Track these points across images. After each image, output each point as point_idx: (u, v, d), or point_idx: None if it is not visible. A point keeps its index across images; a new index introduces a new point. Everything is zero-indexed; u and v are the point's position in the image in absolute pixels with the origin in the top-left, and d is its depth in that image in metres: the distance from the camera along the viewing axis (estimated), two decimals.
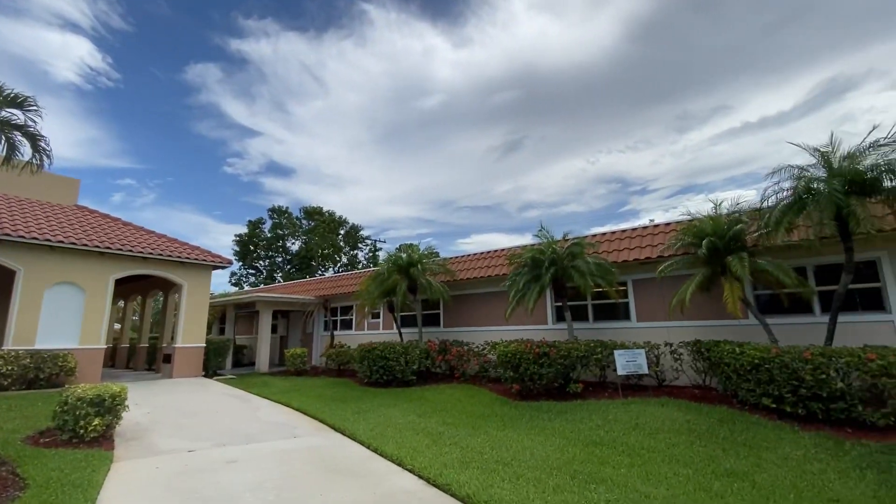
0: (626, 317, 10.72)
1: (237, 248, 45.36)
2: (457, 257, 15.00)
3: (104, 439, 6.31)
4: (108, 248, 12.63)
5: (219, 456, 5.85)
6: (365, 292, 13.86)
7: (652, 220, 11.67)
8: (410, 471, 5.23)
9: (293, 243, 47.43)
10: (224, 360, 15.90)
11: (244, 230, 45.86)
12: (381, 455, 5.90)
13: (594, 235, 11.89)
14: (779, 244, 7.84)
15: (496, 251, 13.93)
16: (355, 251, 48.62)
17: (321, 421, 8.02)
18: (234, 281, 45.83)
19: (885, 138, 6.61)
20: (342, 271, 43.05)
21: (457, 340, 12.81)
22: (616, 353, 8.65)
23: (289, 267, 45.63)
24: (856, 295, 8.11)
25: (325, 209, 47.29)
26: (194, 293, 14.61)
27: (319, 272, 44.16)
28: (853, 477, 4.57)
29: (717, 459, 5.17)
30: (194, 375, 14.06)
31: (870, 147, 6.78)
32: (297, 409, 9.08)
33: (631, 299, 10.68)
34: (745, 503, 4.07)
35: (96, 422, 6.18)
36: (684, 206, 36.14)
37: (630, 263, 10.31)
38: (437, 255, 14.70)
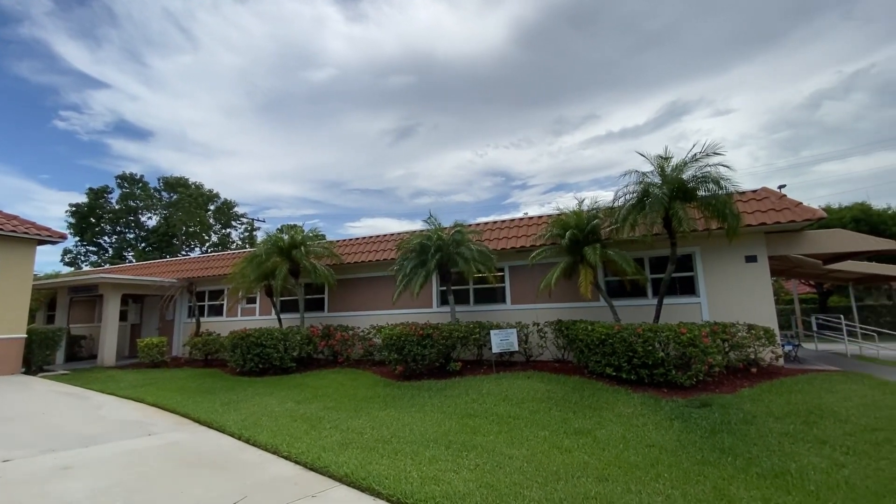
0: (503, 300, 11.64)
1: (73, 221, 37.89)
2: (344, 240, 14.62)
3: None
4: None
5: (47, 464, 4.96)
6: (239, 275, 12.75)
7: (526, 213, 12.87)
8: (287, 458, 5.07)
9: (149, 218, 41.26)
10: (54, 353, 13.32)
11: (83, 199, 38.49)
12: (254, 445, 5.61)
13: (478, 224, 12.61)
14: (625, 238, 9.24)
15: (385, 235, 13.91)
16: (228, 230, 44.16)
17: (183, 415, 7.28)
18: (68, 260, 38.37)
19: (700, 153, 8.23)
20: (212, 251, 38.80)
21: (342, 325, 12.57)
22: (492, 332, 9.37)
23: (144, 245, 39.62)
24: (677, 282, 9.96)
25: (191, 181, 41.95)
26: (10, 273, 11.90)
27: (183, 252, 39.20)
28: (665, 426, 5.69)
29: (568, 421, 6.00)
30: (10, 373, 11.54)
31: (690, 160, 8.36)
32: (152, 405, 8.09)
33: (507, 284, 11.62)
34: (588, 454, 4.82)
35: None
36: (556, 201, 40.26)
37: (508, 251, 11.19)
38: (323, 237, 14.13)
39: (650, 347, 7.48)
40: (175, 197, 40.23)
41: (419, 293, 10.46)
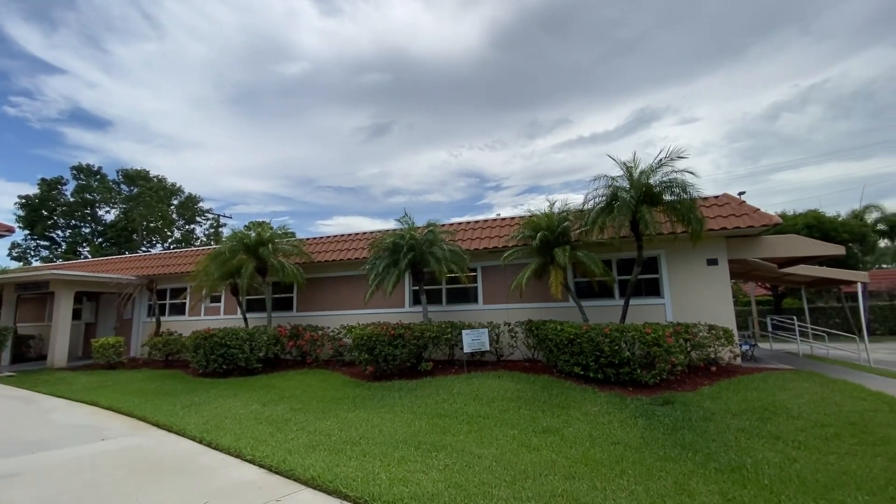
0: (475, 300, 11.69)
1: (22, 213, 35.69)
2: (315, 238, 14.32)
3: None
4: None
5: None
6: (203, 273, 12.28)
7: (499, 214, 12.98)
8: (251, 461, 4.92)
9: (107, 212, 39.31)
10: None
11: (34, 191, 36.33)
12: (216, 449, 5.41)
13: (452, 224, 12.61)
14: (594, 240, 9.44)
15: (357, 234, 13.73)
16: (192, 226, 42.55)
17: (140, 419, 6.96)
18: (16, 254, 36.14)
19: (666, 157, 8.51)
20: (175, 248, 37.34)
21: (311, 325, 12.31)
22: (464, 332, 9.38)
23: (101, 240, 37.71)
24: (642, 283, 10.26)
25: (152, 174, 40.16)
26: None
27: (144, 248, 37.56)
28: (630, 424, 5.84)
29: (537, 420, 6.07)
30: None
31: (657, 165, 8.62)
32: (107, 408, 7.71)
33: (479, 284, 11.67)
34: (555, 453, 4.89)
35: None
36: (529, 203, 40.90)
37: (480, 251, 11.24)
38: (292, 234, 13.82)
39: (616, 347, 7.66)
40: (135, 190, 38.46)
41: (392, 293, 10.37)
